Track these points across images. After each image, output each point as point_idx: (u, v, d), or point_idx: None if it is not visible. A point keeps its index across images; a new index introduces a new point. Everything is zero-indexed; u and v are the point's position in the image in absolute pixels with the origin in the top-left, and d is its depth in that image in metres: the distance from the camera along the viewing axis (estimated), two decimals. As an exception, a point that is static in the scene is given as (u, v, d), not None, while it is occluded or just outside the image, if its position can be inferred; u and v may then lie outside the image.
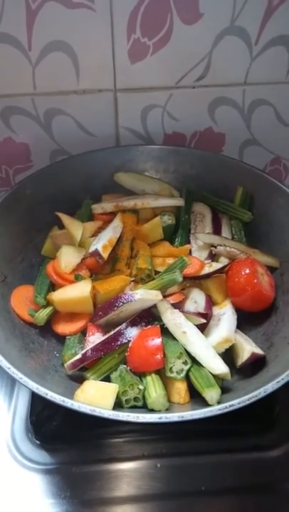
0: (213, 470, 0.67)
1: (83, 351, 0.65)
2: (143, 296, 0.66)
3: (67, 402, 0.52)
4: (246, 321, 0.74)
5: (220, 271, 0.77)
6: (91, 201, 0.89)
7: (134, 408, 0.61)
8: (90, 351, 0.65)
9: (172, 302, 0.71)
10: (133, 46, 0.82)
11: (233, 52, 0.84)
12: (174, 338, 0.66)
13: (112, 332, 0.67)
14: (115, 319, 0.70)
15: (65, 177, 0.88)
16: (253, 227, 0.87)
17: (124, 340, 0.66)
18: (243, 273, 0.73)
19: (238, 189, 0.88)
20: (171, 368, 0.63)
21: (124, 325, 0.67)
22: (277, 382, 0.54)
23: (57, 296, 0.73)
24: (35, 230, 0.84)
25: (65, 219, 0.83)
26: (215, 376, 0.62)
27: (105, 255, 0.76)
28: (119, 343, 0.66)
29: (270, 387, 0.53)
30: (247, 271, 0.73)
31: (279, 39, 0.83)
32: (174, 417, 0.50)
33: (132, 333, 0.67)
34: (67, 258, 0.77)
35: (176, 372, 0.63)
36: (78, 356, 0.65)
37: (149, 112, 0.92)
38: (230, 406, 0.51)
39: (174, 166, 0.93)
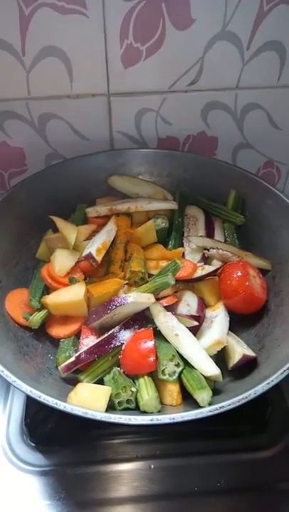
0: (207, 471, 0.67)
1: (77, 354, 0.66)
2: (136, 299, 0.67)
3: (60, 405, 0.53)
4: (238, 322, 0.75)
5: (212, 273, 0.77)
6: (85, 205, 0.89)
7: (126, 410, 0.62)
8: (83, 354, 0.65)
9: (165, 305, 0.72)
10: (126, 51, 0.82)
11: (225, 57, 0.85)
12: (167, 341, 0.67)
13: (106, 335, 0.67)
14: (109, 322, 0.70)
15: (60, 181, 0.89)
16: (245, 229, 0.88)
17: (118, 343, 0.67)
18: (235, 276, 0.74)
19: (230, 192, 0.89)
20: (163, 370, 0.64)
21: (117, 328, 0.68)
22: (267, 383, 0.54)
23: (51, 299, 0.73)
24: (30, 234, 0.85)
25: (59, 222, 0.83)
26: (207, 378, 0.63)
27: (99, 258, 0.77)
28: (112, 345, 0.67)
29: (261, 388, 0.54)
30: (239, 273, 0.74)
31: (270, 44, 0.84)
32: (165, 418, 0.51)
33: (125, 335, 0.67)
34: (62, 261, 0.78)
35: (169, 374, 0.64)
36: (72, 359, 0.65)
37: (143, 116, 0.93)
38: (220, 408, 0.52)
39: (167, 169, 0.94)
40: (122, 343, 0.67)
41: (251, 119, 0.96)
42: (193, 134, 0.97)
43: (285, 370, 0.56)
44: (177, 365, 0.64)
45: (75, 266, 0.79)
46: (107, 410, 0.59)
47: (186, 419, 0.51)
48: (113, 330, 0.68)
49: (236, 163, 1.04)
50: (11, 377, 0.55)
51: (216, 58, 0.85)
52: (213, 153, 1.02)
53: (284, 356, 0.62)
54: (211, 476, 0.67)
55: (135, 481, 0.66)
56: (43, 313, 0.73)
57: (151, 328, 0.68)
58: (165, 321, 0.68)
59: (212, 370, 0.63)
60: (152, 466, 0.67)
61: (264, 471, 0.68)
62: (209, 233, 0.87)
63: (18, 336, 0.71)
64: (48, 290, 0.78)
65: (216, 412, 0.52)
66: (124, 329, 0.68)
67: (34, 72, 0.83)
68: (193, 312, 0.71)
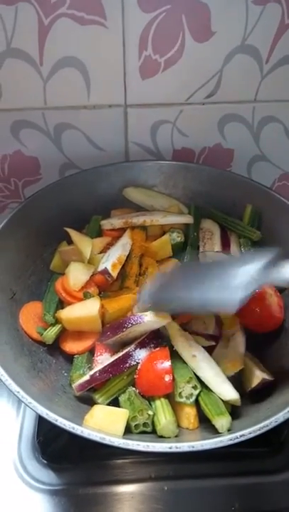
0: (221, 494, 0.66)
1: (91, 372, 0.65)
2: (152, 318, 0.66)
3: (77, 430, 0.52)
4: (255, 342, 0.73)
5: (229, 291, 0.76)
6: (100, 217, 0.89)
7: (143, 433, 0.61)
8: (98, 373, 0.64)
9: (181, 322, 0.71)
10: (144, 63, 0.81)
11: (243, 70, 0.84)
12: (183, 361, 0.66)
13: (121, 354, 0.66)
14: (123, 339, 0.69)
15: (74, 192, 0.88)
16: (261, 245, 0.86)
17: (133, 362, 0.66)
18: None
19: (247, 207, 0.87)
20: (180, 392, 0.62)
21: (132, 346, 0.67)
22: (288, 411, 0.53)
23: (65, 314, 0.72)
24: (44, 245, 0.84)
25: (74, 235, 0.82)
26: (224, 401, 0.62)
27: (115, 274, 0.76)
28: (127, 365, 0.65)
29: (281, 416, 0.52)
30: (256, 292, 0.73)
31: (290, 58, 0.83)
32: (184, 446, 0.50)
33: (141, 355, 0.66)
34: (76, 275, 0.77)
35: (186, 397, 0.62)
36: (86, 378, 0.64)
37: (159, 128, 0.92)
38: (241, 436, 0.51)
39: (183, 182, 0.92)
40: (138, 362, 0.66)
41: (268, 132, 0.95)
42: (209, 145, 0.96)
43: (306, 398, 0.54)
44: (194, 388, 0.63)
45: (90, 280, 0.77)
46: (123, 433, 0.58)
47: (205, 447, 0.50)
48: (129, 348, 0.67)
49: (251, 175, 1.02)
50: (27, 399, 0.54)
51: (234, 71, 0.84)
52: (229, 165, 1.01)
53: (304, 381, 0.60)
54: (225, 500, 0.66)
55: (147, 503, 0.65)
56: (57, 328, 0.72)
57: (167, 348, 0.67)
58: (182, 341, 0.67)
59: (231, 394, 0.61)
60: (166, 487, 0.66)
61: (280, 493, 0.67)
62: (225, 248, 0.85)
63: (32, 352, 0.70)
64: (62, 304, 0.77)
65: (236, 440, 0.51)
66: (140, 348, 0.67)
67: (51, 82, 0.83)
68: (210, 331, 0.70)
